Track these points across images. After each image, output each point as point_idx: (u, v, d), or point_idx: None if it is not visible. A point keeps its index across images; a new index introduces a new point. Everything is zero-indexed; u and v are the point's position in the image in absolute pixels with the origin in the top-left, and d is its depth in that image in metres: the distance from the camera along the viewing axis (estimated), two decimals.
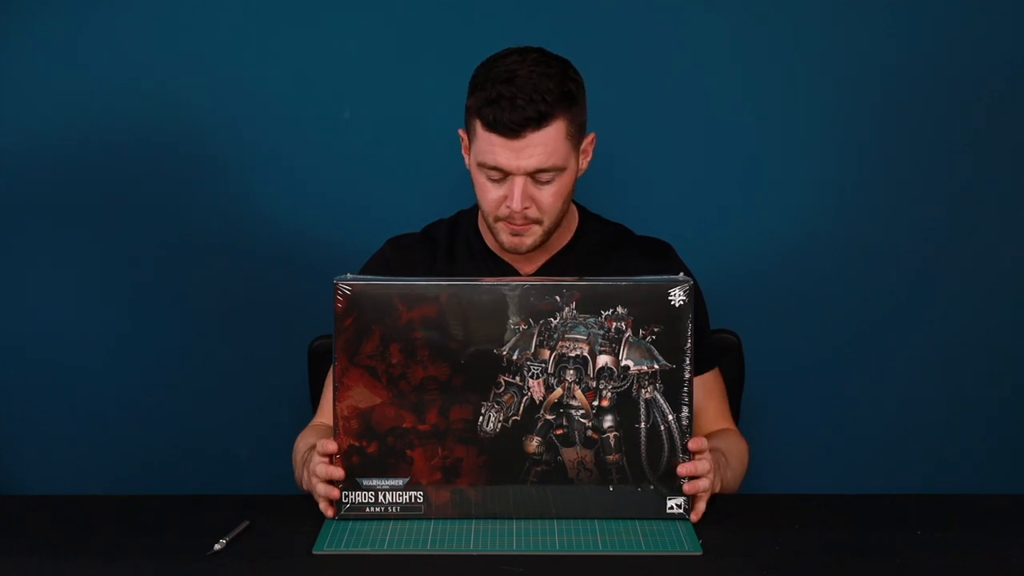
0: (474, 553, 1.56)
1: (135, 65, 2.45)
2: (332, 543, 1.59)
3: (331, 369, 1.72)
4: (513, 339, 1.63)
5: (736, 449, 1.89)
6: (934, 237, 2.51)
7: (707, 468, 1.66)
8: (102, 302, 2.52)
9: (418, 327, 1.63)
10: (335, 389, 1.65)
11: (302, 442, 1.86)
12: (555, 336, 1.63)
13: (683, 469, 1.65)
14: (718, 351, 2.05)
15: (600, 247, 2.00)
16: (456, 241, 2.02)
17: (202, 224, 2.50)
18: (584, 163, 1.92)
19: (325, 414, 1.94)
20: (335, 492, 1.66)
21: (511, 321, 1.63)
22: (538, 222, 1.88)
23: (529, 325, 1.63)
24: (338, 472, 1.66)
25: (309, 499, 1.70)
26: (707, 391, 1.97)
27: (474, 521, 1.65)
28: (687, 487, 1.65)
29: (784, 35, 2.46)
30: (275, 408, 2.51)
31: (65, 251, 2.51)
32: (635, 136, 2.47)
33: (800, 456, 2.55)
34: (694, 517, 1.66)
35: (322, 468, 1.66)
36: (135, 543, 1.60)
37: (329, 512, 1.67)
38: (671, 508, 1.66)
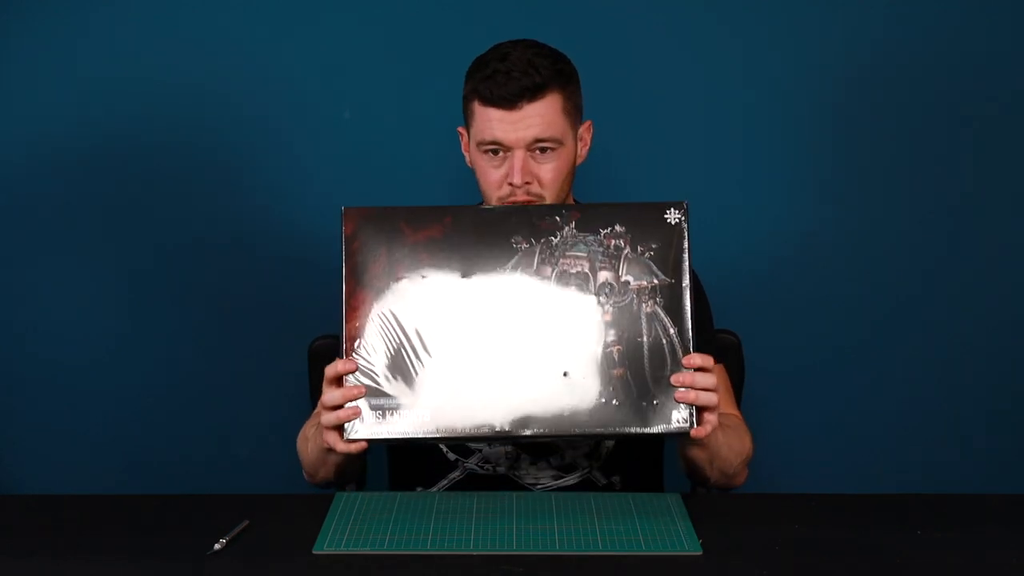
0: (474, 553, 1.56)
1: (135, 65, 2.45)
2: (332, 543, 1.59)
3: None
4: (515, 257, 1.66)
5: (734, 430, 1.86)
6: (934, 237, 2.51)
7: (709, 382, 1.63)
8: (102, 302, 2.52)
9: (424, 249, 1.65)
10: (344, 311, 1.65)
11: (308, 425, 1.87)
12: (556, 254, 1.66)
13: (677, 379, 1.63)
14: (720, 351, 2.05)
15: None
16: None
17: (202, 224, 2.50)
18: (583, 151, 1.96)
19: None
20: (357, 410, 1.63)
21: (514, 240, 1.66)
22: (540, 198, 1.91)
23: (531, 244, 1.66)
24: (356, 391, 1.63)
25: (309, 499, 1.70)
26: None
27: (474, 521, 1.65)
28: (678, 396, 1.63)
29: (785, 34, 2.46)
30: (275, 408, 2.50)
31: (65, 251, 2.51)
32: (635, 136, 2.47)
33: (800, 456, 2.55)
34: (698, 431, 1.63)
35: (337, 393, 1.63)
36: (135, 543, 1.60)
37: (339, 445, 1.64)
38: (676, 421, 1.64)
